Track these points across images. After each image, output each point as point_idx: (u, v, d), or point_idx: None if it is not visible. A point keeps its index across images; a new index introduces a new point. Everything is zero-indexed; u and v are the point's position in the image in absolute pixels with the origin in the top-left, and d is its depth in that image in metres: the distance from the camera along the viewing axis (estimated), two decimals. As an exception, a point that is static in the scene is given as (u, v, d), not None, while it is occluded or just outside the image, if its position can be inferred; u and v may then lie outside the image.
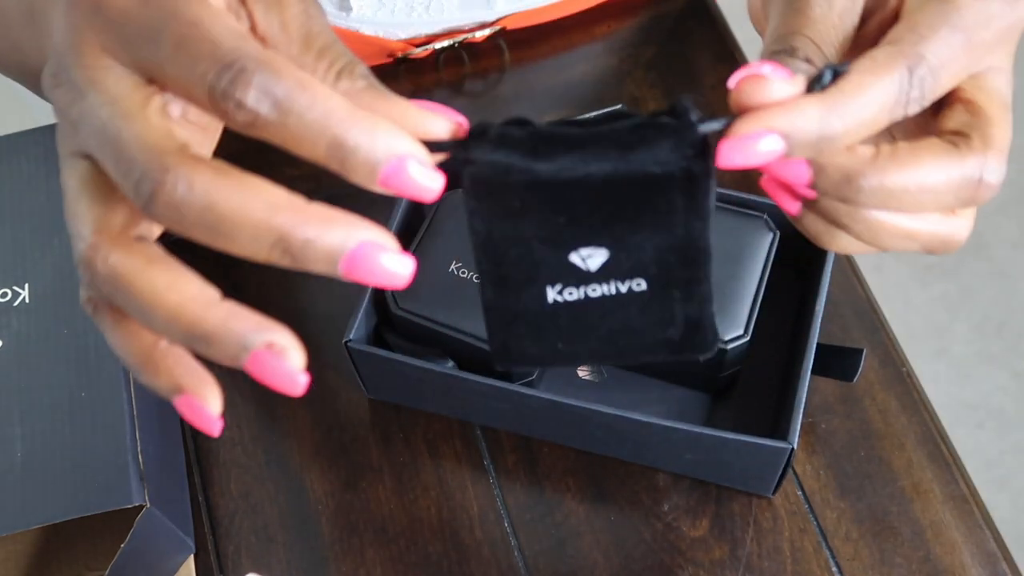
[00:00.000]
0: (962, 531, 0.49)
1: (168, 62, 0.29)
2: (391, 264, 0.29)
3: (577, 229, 0.32)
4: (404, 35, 0.63)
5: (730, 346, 0.48)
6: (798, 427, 0.45)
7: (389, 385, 0.52)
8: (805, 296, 0.52)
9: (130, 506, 0.43)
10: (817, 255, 0.51)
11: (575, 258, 0.33)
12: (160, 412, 0.49)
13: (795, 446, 0.45)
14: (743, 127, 0.30)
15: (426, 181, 0.29)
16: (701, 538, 0.49)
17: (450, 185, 0.62)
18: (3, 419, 0.45)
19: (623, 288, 0.33)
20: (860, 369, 0.49)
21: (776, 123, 0.30)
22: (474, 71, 0.64)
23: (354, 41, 0.62)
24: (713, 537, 0.49)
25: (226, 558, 0.50)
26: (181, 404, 0.31)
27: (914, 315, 1.44)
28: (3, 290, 0.48)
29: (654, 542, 0.49)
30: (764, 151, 0.30)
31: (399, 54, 0.63)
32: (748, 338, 0.48)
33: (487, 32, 0.63)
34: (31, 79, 0.41)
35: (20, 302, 0.48)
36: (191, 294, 0.29)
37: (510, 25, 0.64)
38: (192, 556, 0.49)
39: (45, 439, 0.44)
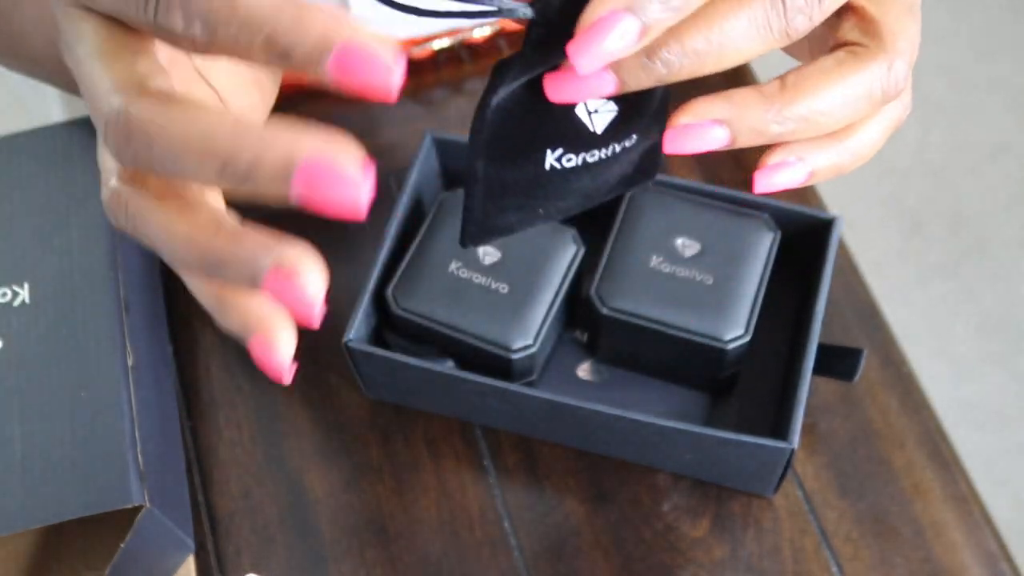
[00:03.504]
0: (962, 531, 0.49)
1: (108, 2, 0.29)
2: (346, 177, 0.26)
3: None
4: (403, 35, 0.63)
5: (730, 346, 0.48)
6: (799, 427, 0.45)
7: (389, 385, 0.52)
8: (805, 296, 0.52)
9: (130, 506, 0.43)
10: (817, 255, 0.51)
11: (581, 112, 0.31)
12: (160, 412, 0.49)
13: (796, 446, 0.45)
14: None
15: (383, 58, 0.26)
16: (701, 538, 0.49)
17: (449, 185, 0.62)
18: (3, 419, 0.45)
19: (617, 148, 0.32)
20: (860, 369, 0.49)
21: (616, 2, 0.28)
22: (474, 71, 0.64)
23: (354, 41, 0.62)
24: (713, 537, 0.49)
25: (226, 558, 0.50)
26: (252, 344, 0.30)
27: (914, 315, 1.44)
28: (3, 290, 0.48)
29: (654, 542, 0.49)
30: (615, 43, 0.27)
31: (399, 54, 0.63)
32: (748, 338, 0.48)
33: (487, 32, 0.63)
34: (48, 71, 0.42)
35: (20, 302, 0.48)
36: (200, 222, 0.28)
37: (510, 25, 0.64)
38: (192, 556, 0.49)
39: (45, 439, 0.44)
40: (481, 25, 0.63)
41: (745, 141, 0.32)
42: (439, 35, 0.63)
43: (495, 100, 0.30)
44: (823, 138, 0.34)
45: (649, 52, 0.29)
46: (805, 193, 0.59)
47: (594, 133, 0.31)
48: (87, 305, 0.47)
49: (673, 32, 0.29)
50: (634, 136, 0.32)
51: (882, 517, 0.49)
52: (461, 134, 0.60)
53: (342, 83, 0.26)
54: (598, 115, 0.31)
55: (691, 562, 0.48)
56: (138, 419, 0.45)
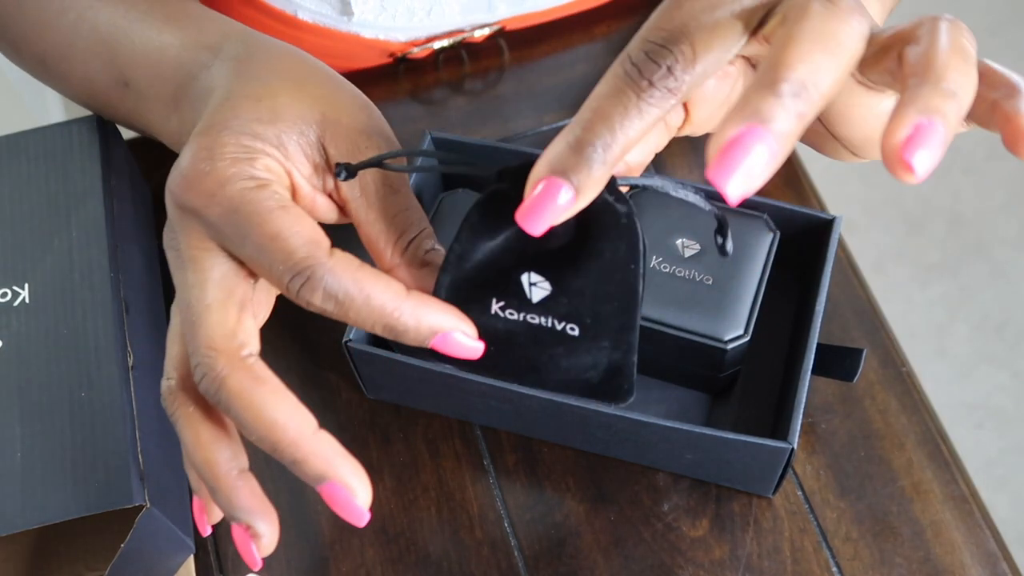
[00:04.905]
0: (962, 531, 0.49)
1: (253, 260, 0.35)
2: None
3: (536, 255, 0.34)
4: (404, 38, 0.63)
5: (730, 346, 0.48)
6: (798, 427, 0.45)
7: (389, 385, 0.52)
8: (805, 296, 0.52)
9: (130, 506, 0.43)
10: (817, 255, 0.51)
11: (524, 279, 0.35)
12: (160, 412, 0.49)
13: (795, 446, 0.45)
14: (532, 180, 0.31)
15: (467, 344, 0.35)
16: (701, 538, 0.49)
17: (448, 185, 0.62)
18: (3, 419, 0.45)
19: (558, 327, 0.35)
20: (860, 369, 0.49)
21: (540, 171, 0.31)
22: (474, 71, 0.64)
23: (355, 44, 0.62)
24: (713, 537, 0.49)
25: (226, 558, 0.50)
26: (235, 530, 0.37)
27: (914, 315, 1.44)
28: (3, 290, 0.48)
29: (654, 542, 0.49)
30: (560, 203, 0.30)
31: (399, 54, 0.63)
32: (748, 338, 0.48)
33: (487, 32, 0.63)
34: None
35: (20, 302, 0.48)
36: (218, 459, 0.36)
37: (510, 25, 0.64)
38: (192, 556, 0.49)
39: (45, 439, 0.44)
40: (481, 26, 0.63)
41: (786, 153, 0.28)
42: (439, 35, 0.63)
43: (459, 248, 0.34)
44: (914, 86, 0.28)
45: (578, 149, 0.30)
46: (805, 193, 0.59)
47: (530, 300, 0.35)
48: (87, 305, 0.47)
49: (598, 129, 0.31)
50: (576, 328, 0.35)
51: (882, 517, 0.50)
52: (461, 134, 0.60)
53: (437, 351, 0.35)
54: (535, 288, 0.35)
55: (691, 562, 0.48)
56: (138, 419, 0.45)
